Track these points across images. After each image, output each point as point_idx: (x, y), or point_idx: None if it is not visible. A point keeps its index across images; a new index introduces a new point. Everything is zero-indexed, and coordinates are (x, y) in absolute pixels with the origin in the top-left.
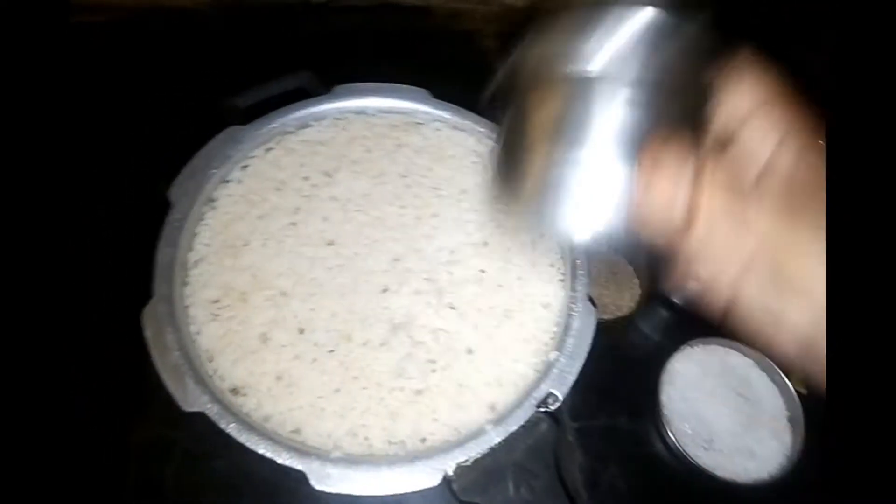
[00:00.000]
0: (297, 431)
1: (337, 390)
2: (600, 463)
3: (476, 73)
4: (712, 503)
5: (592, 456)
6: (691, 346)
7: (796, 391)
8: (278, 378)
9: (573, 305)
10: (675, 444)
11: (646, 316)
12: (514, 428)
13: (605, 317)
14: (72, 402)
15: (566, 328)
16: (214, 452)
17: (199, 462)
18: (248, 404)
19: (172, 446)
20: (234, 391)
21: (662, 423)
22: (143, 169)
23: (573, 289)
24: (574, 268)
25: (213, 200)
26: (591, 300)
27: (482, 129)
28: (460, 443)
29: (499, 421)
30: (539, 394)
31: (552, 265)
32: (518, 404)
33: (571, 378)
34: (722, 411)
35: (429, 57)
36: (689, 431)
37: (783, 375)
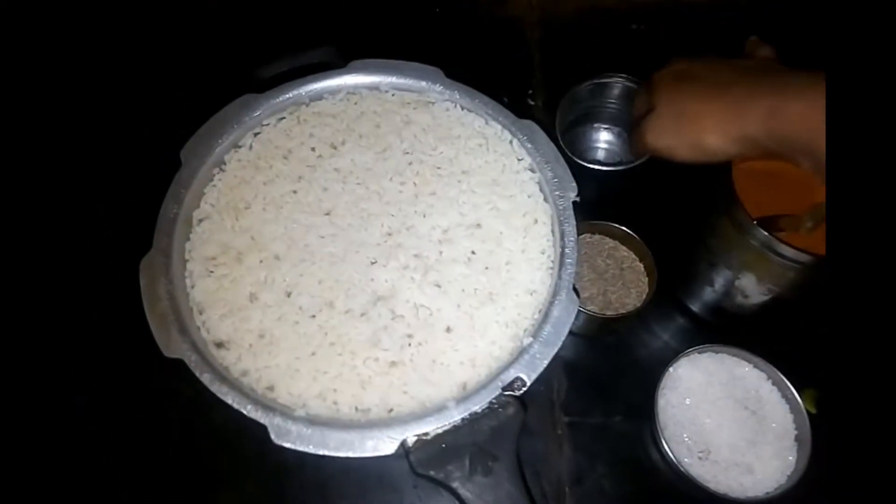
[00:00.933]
0: (270, 388)
1: (313, 354)
2: (588, 461)
3: (504, 57)
4: None
5: (581, 453)
6: (700, 351)
7: (807, 410)
8: (260, 336)
9: (557, 293)
10: (667, 451)
11: (655, 316)
12: (476, 407)
13: (609, 314)
14: (82, 345)
15: (546, 315)
16: (215, 403)
17: (201, 410)
18: (228, 358)
19: (177, 395)
20: (219, 345)
21: (657, 428)
22: (165, 130)
23: (559, 276)
24: (562, 256)
25: (223, 163)
26: (576, 290)
27: (491, 112)
28: (421, 416)
29: (462, 399)
30: (507, 377)
31: (543, 252)
32: (485, 385)
33: (543, 364)
34: (723, 422)
35: (464, 40)
36: (686, 439)
37: (795, 392)
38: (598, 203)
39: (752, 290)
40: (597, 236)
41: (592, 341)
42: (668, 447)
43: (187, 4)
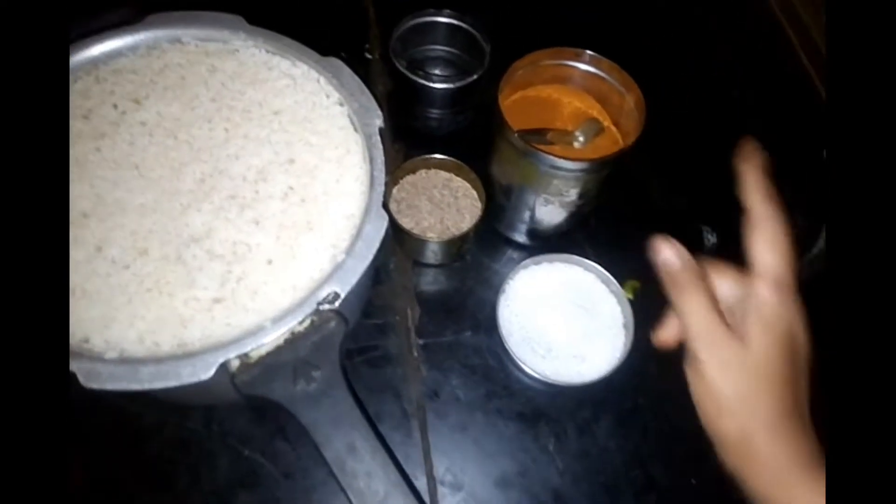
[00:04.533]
0: (86, 340)
1: (129, 302)
2: (443, 375)
3: (340, 15)
4: (545, 404)
5: (436, 370)
6: (535, 262)
7: (629, 300)
8: (71, 293)
9: (368, 212)
10: (513, 354)
11: (496, 240)
12: (293, 323)
13: (445, 238)
14: None
15: (358, 234)
16: None
17: None
18: None
19: None
20: None
21: (502, 335)
22: None
23: (370, 198)
24: (373, 179)
25: None
26: (387, 209)
27: (296, 53)
28: (238, 339)
29: (277, 319)
30: (322, 293)
31: (357, 179)
32: (302, 303)
33: (356, 277)
34: (560, 322)
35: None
36: (529, 342)
37: (618, 286)
38: (434, 139)
39: (537, 203)
40: (432, 171)
41: (442, 269)
42: (513, 351)
43: None
